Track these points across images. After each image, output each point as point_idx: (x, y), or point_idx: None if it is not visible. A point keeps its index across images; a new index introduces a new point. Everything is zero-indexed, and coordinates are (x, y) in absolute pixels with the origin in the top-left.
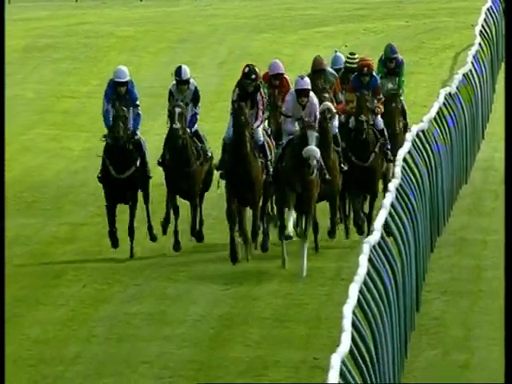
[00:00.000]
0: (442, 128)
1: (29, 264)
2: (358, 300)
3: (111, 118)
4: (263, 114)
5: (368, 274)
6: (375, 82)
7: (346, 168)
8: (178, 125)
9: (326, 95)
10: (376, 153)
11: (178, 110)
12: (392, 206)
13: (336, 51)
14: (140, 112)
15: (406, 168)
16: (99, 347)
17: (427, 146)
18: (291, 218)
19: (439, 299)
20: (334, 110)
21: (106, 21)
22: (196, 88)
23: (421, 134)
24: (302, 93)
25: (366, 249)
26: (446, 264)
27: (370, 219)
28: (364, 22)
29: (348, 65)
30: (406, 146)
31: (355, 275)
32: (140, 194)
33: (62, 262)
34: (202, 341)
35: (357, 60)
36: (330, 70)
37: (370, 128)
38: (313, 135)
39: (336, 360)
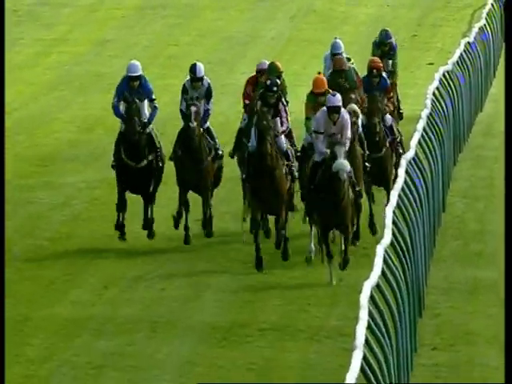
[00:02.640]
0: (463, 68)
1: None
2: (397, 203)
3: (122, 111)
4: (287, 121)
5: (405, 182)
6: (385, 82)
7: (369, 166)
8: (194, 124)
9: (353, 96)
10: (387, 147)
11: (194, 108)
12: (424, 129)
13: (335, 38)
14: (156, 105)
15: (435, 100)
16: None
17: (451, 82)
18: (312, 238)
19: (460, 202)
20: (359, 110)
21: None
22: (209, 85)
23: (446, 73)
24: (333, 110)
25: (403, 163)
26: (466, 174)
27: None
28: None
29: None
30: (435, 83)
31: (395, 184)
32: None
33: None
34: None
35: (353, 65)
36: (352, 66)
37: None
38: (341, 150)
39: (380, 250)
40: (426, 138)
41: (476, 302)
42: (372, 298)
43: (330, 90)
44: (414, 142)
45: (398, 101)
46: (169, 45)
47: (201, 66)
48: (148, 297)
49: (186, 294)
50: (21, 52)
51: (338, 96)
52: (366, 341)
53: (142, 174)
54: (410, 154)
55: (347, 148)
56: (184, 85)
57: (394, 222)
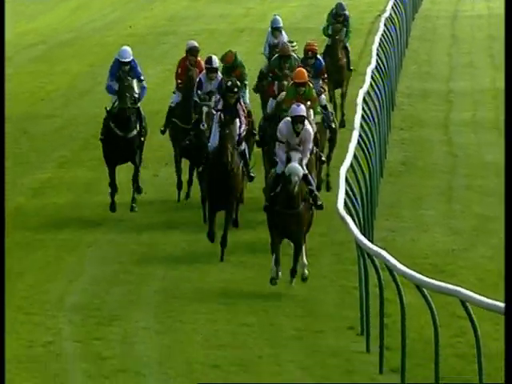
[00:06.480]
0: None
1: None
2: (379, 43)
3: (115, 88)
4: (245, 119)
5: (383, 31)
6: (319, 64)
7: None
8: (205, 125)
9: (286, 83)
10: (319, 122)
11: (205, 109)
12: (391, 9)
13: (274, 14)
14: (145, 85)
15: None
16: None
17: None
18: (273, 260)
19: (416, 43)
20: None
21: None
22: (222, 79)
23: None
24: (297, 119)
25: (382, 19)
26: (419, 27)
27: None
28: None
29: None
30: None
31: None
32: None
33: None
34: None
35: (295, 48)
36: (295, 55)
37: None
38: (296, 155)
39: (369, 71)
40: (392, 14)
41: (426, 102)
42: (364, 99)
43: (311, 84)
44: (384, 17)
45: (348, 59)
46: None
47: (216, 58)
48: None
49: None
50: None
51: (303, 106)
52: (361, 126)
53: (130, 144)
54: (386, 14)
55: (306, 159)
56: (200, 79)
57: (377, 54)
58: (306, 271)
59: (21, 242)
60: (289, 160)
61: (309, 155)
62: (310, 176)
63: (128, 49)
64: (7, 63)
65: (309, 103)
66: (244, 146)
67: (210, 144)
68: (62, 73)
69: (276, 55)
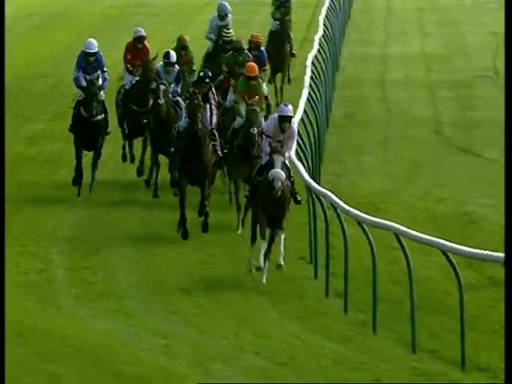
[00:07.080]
0: None
1: None
2: (327, 10)
3: (81, 81)
4: (216, 108)
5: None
6: (262, 56)
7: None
8: (162, 100)
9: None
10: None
11: (162, 87)
12: None
13: (221, 1)
14: (107, 77)
15: None
16: None
17: None
18: (262, 249)
19: (359, 10)
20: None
21: None
22: (179, 71)
23: None
24: (285, 119)
25: None
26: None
27: None
28: None
29: (225, 38)
30: None
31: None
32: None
33: None
34: None
35: (231, 35)
36: (247, 52)
37: None
38: (279, 160)
39: (316, 41)
40: None
41: (365, 64)
42: (313, 62)
43: (261, 80)
44: None
45: (290, 43)
46: None
47: (173, 54)
48: None
49: None
50: None
51: (290, 107)
52: (310, 85)
53: (95, 128)
54: None
55: (287, 158)
56: (157, 69)
57: (324, 24)
58: (282, 261)
59: (19, 182)
60: (272, 164)
61: (289, 153)
62: (290, 173)
63: (94, 41)
64: (8, 32)
65: (257, 98)
66: (215, 128)
67: (180, 124)
68: (55, 40)
69: (230, 52)
